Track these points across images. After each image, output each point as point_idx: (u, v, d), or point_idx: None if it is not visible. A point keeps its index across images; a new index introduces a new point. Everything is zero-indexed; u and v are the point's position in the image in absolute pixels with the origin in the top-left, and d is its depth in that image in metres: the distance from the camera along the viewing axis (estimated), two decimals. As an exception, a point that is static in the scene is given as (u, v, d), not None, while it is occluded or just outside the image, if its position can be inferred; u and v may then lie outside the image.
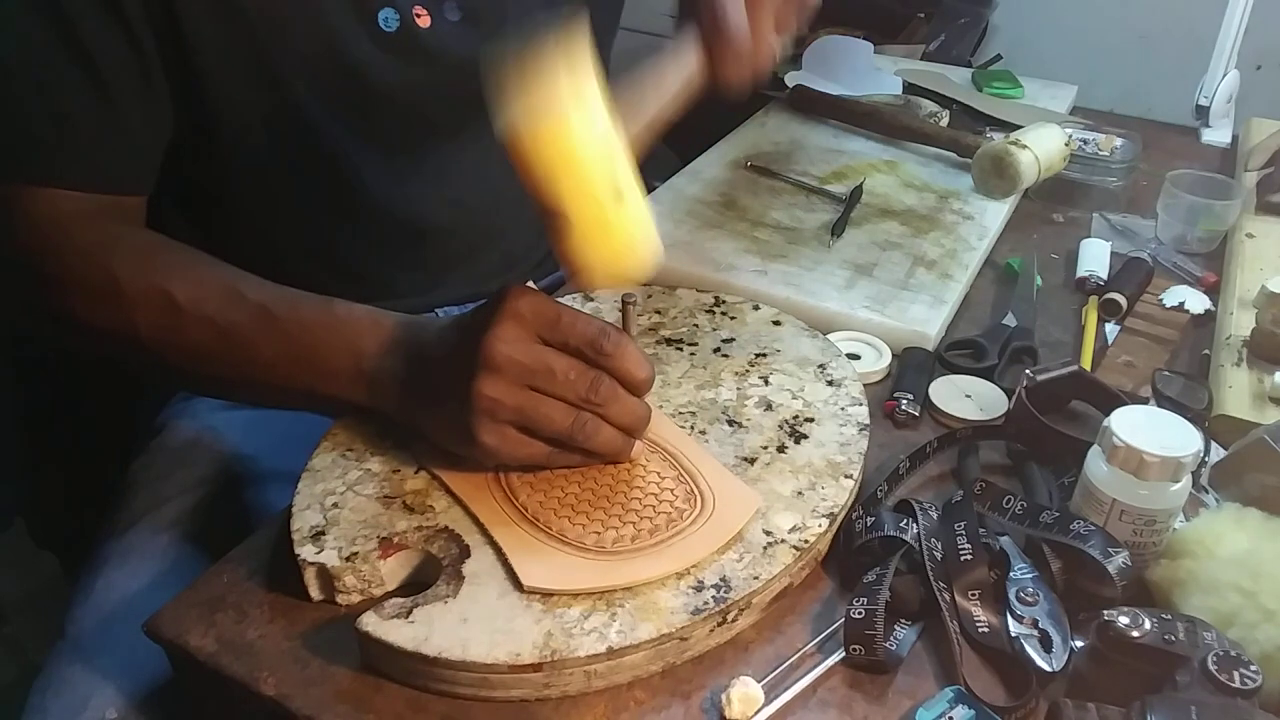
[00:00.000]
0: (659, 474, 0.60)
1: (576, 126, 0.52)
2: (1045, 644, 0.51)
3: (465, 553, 0.55)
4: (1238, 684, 0.45)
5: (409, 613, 0.51)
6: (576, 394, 0.56)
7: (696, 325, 0.75)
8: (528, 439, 0.57)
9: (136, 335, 0.64)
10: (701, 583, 0.53)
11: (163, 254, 0.67)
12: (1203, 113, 1.19)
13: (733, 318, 0.76)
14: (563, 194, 0.53)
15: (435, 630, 0.50)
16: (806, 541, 0.56)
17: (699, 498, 0.59)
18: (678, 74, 0.58)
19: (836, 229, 0.91)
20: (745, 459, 0.62)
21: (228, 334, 0.63)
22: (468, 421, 0.56)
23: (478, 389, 0.55)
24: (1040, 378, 0.67)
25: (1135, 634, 0.48)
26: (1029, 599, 0.53)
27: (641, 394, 0.59)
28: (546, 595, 0.52)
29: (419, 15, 0.76)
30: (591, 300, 0.78)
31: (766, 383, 0.69)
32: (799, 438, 0.64)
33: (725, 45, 0.56)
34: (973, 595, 0.54)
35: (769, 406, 0.67)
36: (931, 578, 0.55)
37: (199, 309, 0.63)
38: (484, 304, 0.57)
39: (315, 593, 0.55)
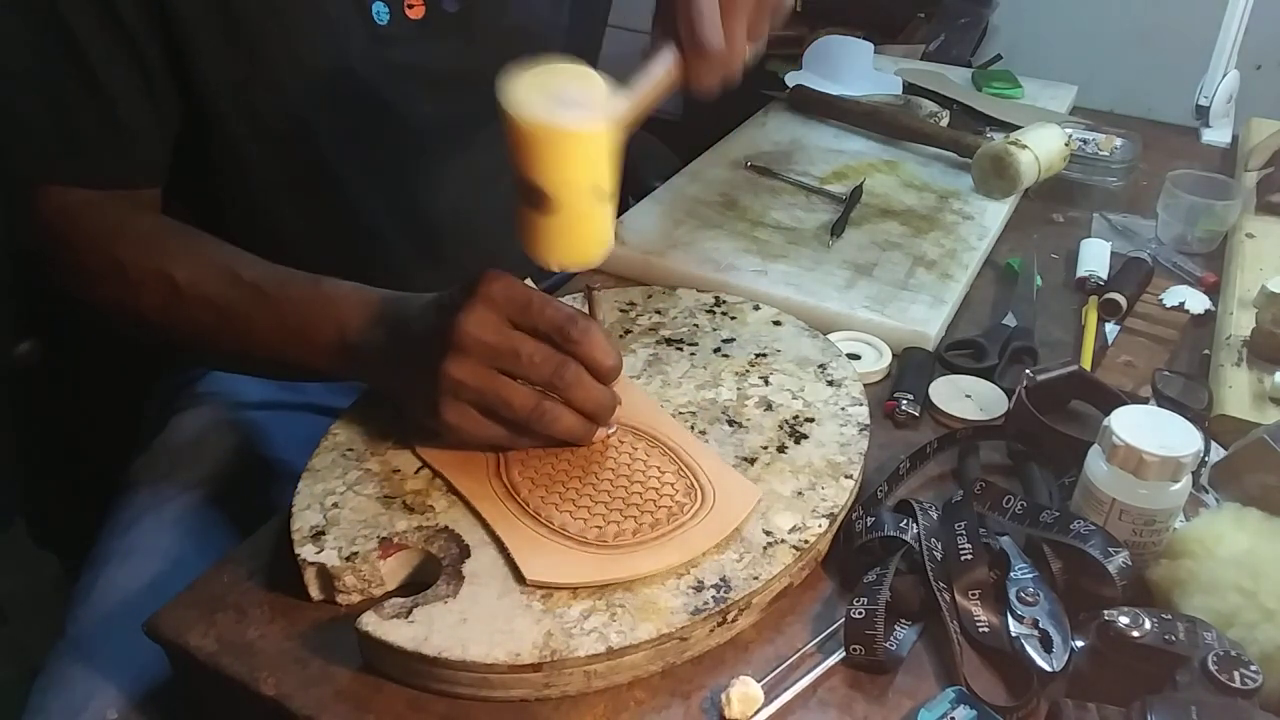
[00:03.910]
0: (659, 468, 0.60)
1: (583, 128, 0.54)
2: (1045, 644, 0.51)
3: (465, 552, 0.55)
4: (1238, 684, 0.45)
5: (409, 613, 0.51)
6: (541, 377, 0.58)
7: (696, 325, 0.75)
8: (488, 421, 0.59)
9: (142, 315, 0.69)
10: (701, 583, 0.53)
11: (165, 238, 0.71)
12: (1203, 113, 1.18)
13: (733, 318, 0.76)
14: (557, 183, 0.55)
15: (435, 630, 0.50)
16: (806, 541, 0.56)
17: (699, 491, 0.59)
18: (658, 81, 0.60)
19: (836, 229, 0.91)
20: (745, 459, 0.62)
21: (224, 312, 0.67)
22: (434, 398, 0.58)
23: (444, 369, 0.57)
24: (1040, 378, 0.67)
25: (1135, 634, 0.48)
26: (1029, 599, 0.53)
27: (608, 381, 0.60)
28: (547, 593, 0.52)
29: (411, 6, 0.75)
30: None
31: (767, 383, 0.69)
32: (799, 438, 0.64)
33: (701, 56, 0.58)
34: (973, 595, 0.54)
35: (769, 406, 0.67)
36: (932, 578, 0.55)
37: (198, 290, 0.67)
38: (461, 285, 0.59)
39: (315, 593, 0.55)
